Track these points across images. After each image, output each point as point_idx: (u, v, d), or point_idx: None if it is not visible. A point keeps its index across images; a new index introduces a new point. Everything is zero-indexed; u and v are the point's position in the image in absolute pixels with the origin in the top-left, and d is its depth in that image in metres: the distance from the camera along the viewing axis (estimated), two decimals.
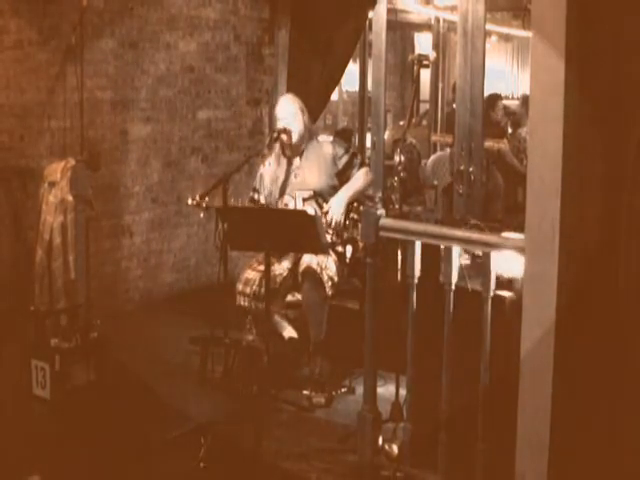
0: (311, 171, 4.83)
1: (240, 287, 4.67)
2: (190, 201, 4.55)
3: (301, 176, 4.83)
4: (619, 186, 2.79)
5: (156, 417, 4.19)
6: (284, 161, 4.89)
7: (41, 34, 5.27)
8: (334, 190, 4.81)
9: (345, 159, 4.85)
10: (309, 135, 4.88)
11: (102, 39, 5.67)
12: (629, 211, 2.79)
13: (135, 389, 4.43)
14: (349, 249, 4.78)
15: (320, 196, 4.81)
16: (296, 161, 4.87)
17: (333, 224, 4.71)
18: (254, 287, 4.61)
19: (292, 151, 4.86)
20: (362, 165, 4.89)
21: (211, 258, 6.58)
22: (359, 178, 4.82)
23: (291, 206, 4.75)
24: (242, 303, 4.67)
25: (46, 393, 4.19)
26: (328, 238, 4.72)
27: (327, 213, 4.73)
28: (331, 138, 5.02)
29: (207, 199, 4.50)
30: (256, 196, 4.87)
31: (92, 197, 5.08)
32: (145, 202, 6.17)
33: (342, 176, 4.84)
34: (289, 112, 4.81)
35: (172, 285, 6.44)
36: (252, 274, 4.67)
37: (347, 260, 4.76)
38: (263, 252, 4.19)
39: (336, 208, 4.72)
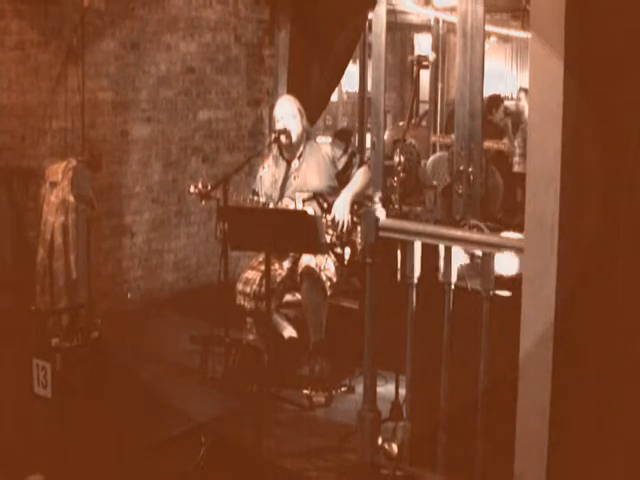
0: (310, 173, 4.85)
1: (240, 287, 4.69)
2: (192, 189, 4.59)
3: (301, 178, 4.85)
4: (618, 186, 2.80)
5: (157, 416, 4.20)
6: (283, 163, 4.91)
7: (43, 35, 5.28)
8: (334, 191, 4.83)
9: (344, 160, 4.87)
10: (307, 136, 4.90)
11: (103, 40, 5.69)
12: (628, 211, 2.80)
13: (136, 388, 4.43)
14: (347, 251, 4.80)
15: (320, 197, 4.83)
16: (295, 163, 4.89)
17: (341, 225, 4.73)
18: (254, 287, 4.63)
19: (290, 153, 4.88)
20: (361, 164, 4.91)
21: (211, 258, 6.60)
22: (358, 177, 4.84)
23: (291, 207, 4.77)
24: (242, 303, 4.69)
25: (47, 392, 4.19)
26: (328, 239, 4.74)
27: (333, 218, 4.75)
28: (329, 139, 5.04)
29: (209, 187, 4.55)
30: (255, 199, 4.89)
31: (93, 197, 5.09)
32: (146, 202, 6.18)
33: (342, 176, 4.86)
34: (287, 113, 4.83)
35: (173, 285, 6.45)
36: (252, 274, 4.69)
37: (345, 262, 4.79)
38: (263, 252, 4.22)
39: (342, 209, 4.74)
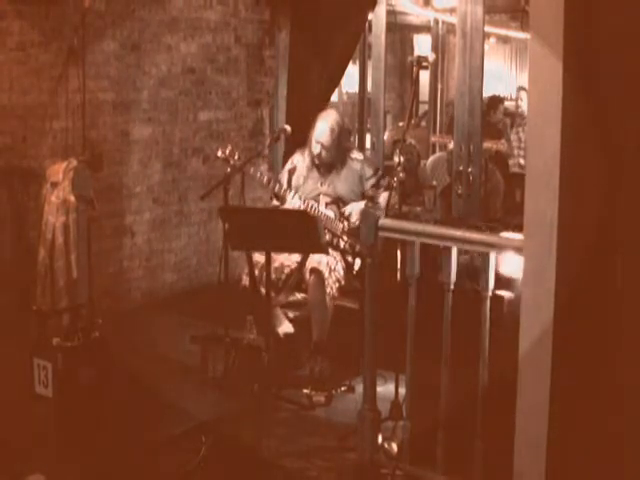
0: (339, 182, 4.94)
1: (247, 268, 4.69)
2: (220, 153, 4.63)
3: (327, 185, 4.93)
4: (617, 186, 2.82)
5: (157, 416, 4.21)
6: (314, 169, 4.96)
7: (44, 36, 5.29)
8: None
9: (372, 181, 4.94)
10: (342, 154, 4.95)
11: (104, 41, 5.70)
12: (627, 210, 2.81)
13: (136, 388, 4.44)
14: (358, 262, 4.84)
15: (342, 202, 4.90)
16: (324, 170, 4.95)
17: (348, 225, 4.77)
18: (260, 271, 4.64)
19: (322, 164, 4.94)
20: (388, 187, 4.91)
21: (212, 258, 6.61)
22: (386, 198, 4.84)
23: (314, 207, 4.84)
24: (247, 284, 4.68)
25: (48, 392, 4.20)
26: (342, 244, 4.80)
27: (343, 214, 4.83)
28: (362, 156, 5.10)
29: (237, 155, 4.62)
30: (277, 187, 4.90)
31: (94, 197, 5.11)
32: (146, 202, 6.19)
33: (369, 194, 4.92)
34: (326, 142, 4.86)
35: (173, 285, 6.46)
36: (260, 257, 4.69)
37: (354, 272, 4.83)
38: (263, 252, 4.23)
39: (356, 210, 4.78)
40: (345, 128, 5.09)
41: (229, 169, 4.65)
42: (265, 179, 4.88)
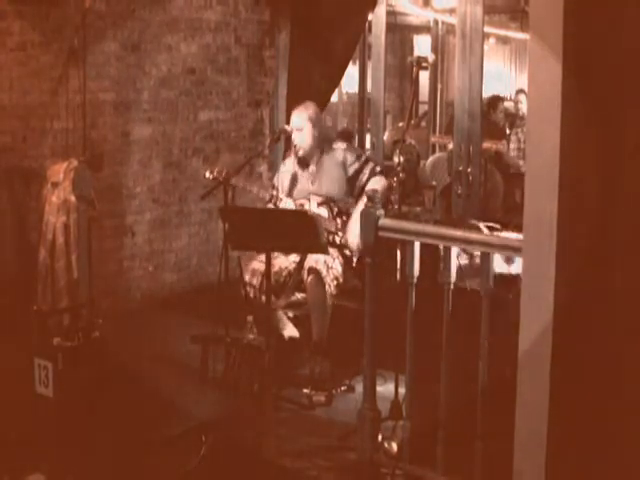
0: (326, 178, 4.90)
1: (247, 277, 4.68)
2: (208, 174, 4.63)
3: (317, 183, 4.92)
4: (617, 186, 2.82)
5: (158, 415, 4.21)
6: (301, 167, 4.96)
7: (44, 36, 5.31)
8: (345, 195, 4.88)
9: (356, 166, 4.88)
10: (322, 144, 4.92)
11: (104, 41, 5.71)
12: (625, 211, 2.82)
13: (137, 388, 4.45)
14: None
15: (333, 202, 4.87)
16: (312, 168, 4.94)
17: (342, 222, 4.77)
18: (260, 278, 4.64)
19: (305, 159, 4.94)
20: (373, 172, 4.87)
21: (212, 258, 6.61)
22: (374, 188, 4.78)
23: (306, 207, 4.83)
24: (247, 293, 4.68)
25: (49, 391, 4.20)
26: (337, 240, 4.80)
27: (333, 210, 4.83)
28: (344, 145, 5.05)
29: (224, 173, 4.60)
30: (274, 192, 4.91)
31: (94, 197, 5.11)
32: (147, 202, 6.20)
33: (354, 181, 4.87)
34: (296, 126, 4.86)
35: (173, 285, 6.47)
36: (259, 265, 4.69)
37: (354, 264, 4.83)
38: (263, 252, 4.24)
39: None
40: (319, 114, 5.04)
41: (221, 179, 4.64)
42: (255, 190, 4.89)
